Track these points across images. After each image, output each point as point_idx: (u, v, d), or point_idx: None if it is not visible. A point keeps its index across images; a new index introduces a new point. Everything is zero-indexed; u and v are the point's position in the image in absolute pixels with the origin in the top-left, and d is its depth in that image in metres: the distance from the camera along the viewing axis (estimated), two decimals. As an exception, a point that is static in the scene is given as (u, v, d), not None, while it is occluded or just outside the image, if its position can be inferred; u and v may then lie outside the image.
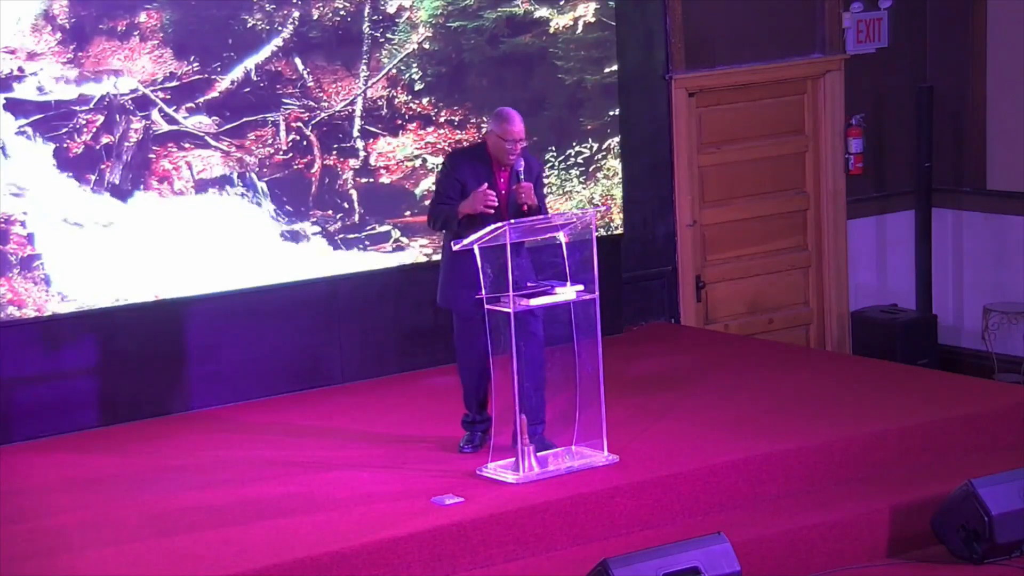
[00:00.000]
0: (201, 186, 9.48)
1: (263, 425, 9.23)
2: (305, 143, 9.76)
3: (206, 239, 9.49)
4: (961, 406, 9.00)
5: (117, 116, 9.21)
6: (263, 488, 8.08)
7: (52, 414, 9.21)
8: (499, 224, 7.90)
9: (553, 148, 10.46)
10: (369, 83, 9.90)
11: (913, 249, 11.99)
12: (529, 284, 8.16)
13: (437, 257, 9.68)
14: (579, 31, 10.50)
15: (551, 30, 10.41)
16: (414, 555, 7.37)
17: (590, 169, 10.61)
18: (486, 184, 8.14)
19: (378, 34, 9.91)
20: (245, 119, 9.57)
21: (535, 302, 8.04)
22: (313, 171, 9.80)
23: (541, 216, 8.20)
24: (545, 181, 10.30)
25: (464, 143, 10.07)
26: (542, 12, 10.37)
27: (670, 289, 11.31)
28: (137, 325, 9.38)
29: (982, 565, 7.81)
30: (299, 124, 9.73)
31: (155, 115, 9.32)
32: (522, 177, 8.19)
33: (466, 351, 8.36)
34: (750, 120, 11.59)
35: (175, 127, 9.38)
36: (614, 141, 10.68)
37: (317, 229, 9.81)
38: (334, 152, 9.85)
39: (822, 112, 11.80)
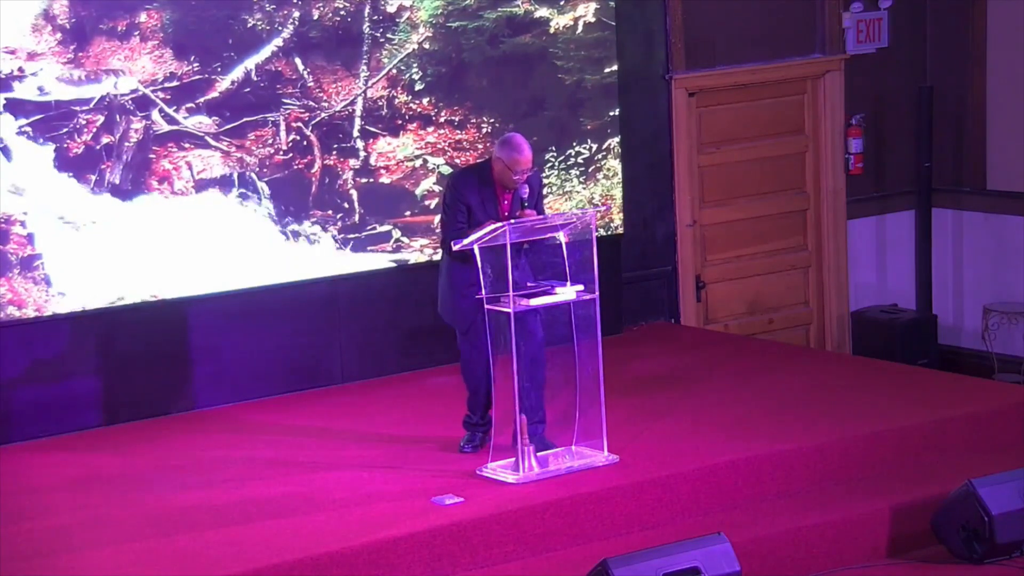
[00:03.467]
0: (201, 186, 9.48)
1: (263, 425, 9.23)
2: (305, 143, 9.76)
3: (206, 239, 9.49)
4: (961, 406, 9.00)
5: (117, 116, 9.21)
6: (263, 488, 8.08)
7: (52, 414, 9.21)
8: (499, 224, 7.90)
9: (553, 148, 10.46)
10: (369, 83, 9.90)
11: (913, 249, 11.99)
12: (529, 284, 8.16)
13: (437, 257, 9.69)
14: (579, 31, 10.50)
15: (551, 30, 10.41)
16: (414, 555, 7.37)
17: (590, 169, 10.61)
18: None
19: (378, 34, 9.91)
20: (245, 119, 9.57)
21: (535, 302, 8.04)
22: (313, 171, 9.80)
23: (541, 216, 8.21)
24: (545, 181, 10.34)
25: (464, 143, 10.07)
26: (542, 12, 10.37)
27: (670, 289, 11.31)
28: (137, 325, 9.38)
29: (982, 565, 7.81)
30: (299, 124, 9.73)
31: (155, 115, 9.32)
32: (526, 204, 8.20)
33: (471, 358, 8.35)
34: (750, 120, 11.59)
35: (175, 127, 9.38)
36: (614, 141, 10.68)
37: (317, 229, 9.81)
38: (334, 152, 9.85)
39: (822, 112, 11.80)
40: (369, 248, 9.97)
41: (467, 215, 8.17)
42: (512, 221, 7.97)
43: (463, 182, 8.28)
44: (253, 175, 9.62)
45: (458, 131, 10.13)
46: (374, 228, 9.98)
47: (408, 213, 10.06)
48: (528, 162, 8.13)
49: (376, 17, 9.88)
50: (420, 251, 10.07)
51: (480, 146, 10.14)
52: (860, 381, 9.62)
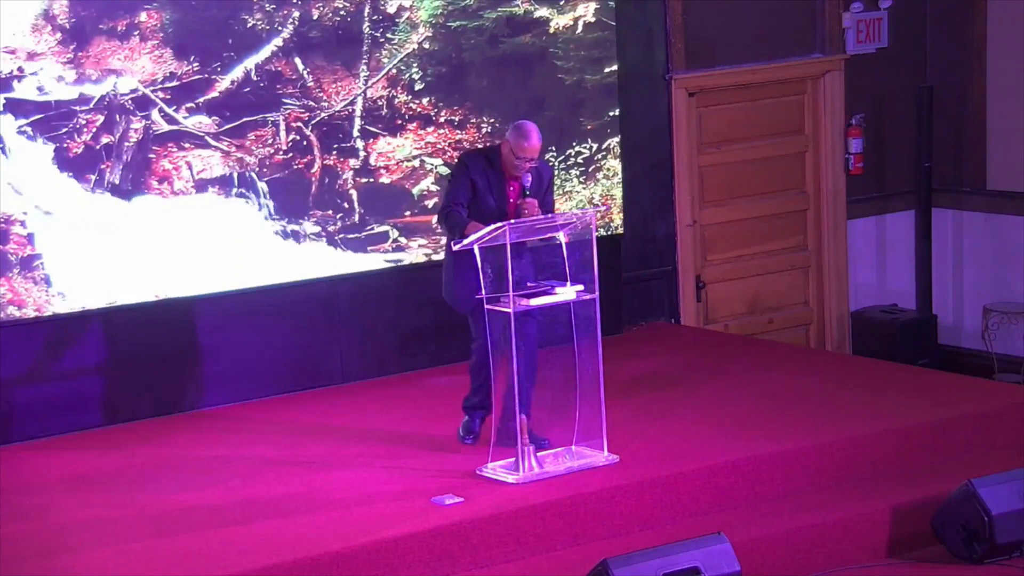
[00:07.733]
0: (201, 186, 9.48)
1: (263, 425, 9.23)
2: (305, 143, 9.76)
3: (206, 239, 9.48)
4: (961, 406, 9.00)
5: (117, 116, 9.21)
6: (263, 488, 8.09)
7: (52, 414, 9.20)
8: (499, 224, 7.90)
9: (553, 148, 10.45)
10: (369, 83, 9.90)
11: (913, 249, 11.99)
12: (529, 284, 8.17)
13: (437, 257, 9.71)
14: (579, 31, 10.50)
15: (551, 30, 10.41)
16: (414, 555, 7.37)
17: (590, 169, 10.61)
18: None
19: (378, 34, 9.91)
20: (245, 119, 9.57)
21: (535, 302, 8.04)
22: (313, 171, 9.80)
23: (541, 216, 8.20)
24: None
25: (464, 143, 10.07)
26: (542, 12, 10.37)
27: (670, 289, 11.31)
28: (137, 325, 9.38)
29: (982, 565, 7.81)
30: (299, 124, 9.73)
31: (155, 115, 9.32)
32: (528, 193, 8.20)
33: (478, 335, 8.34)
34: (750, 120, 11.59)
35: (175, 127, 9.38)
36: (614, 141, 10.68)
37: (317, 229, 9.81)
38: (334, 152, 9.85)
39: (822, 112, 11.80)
40: (369, 248, 9.97)
41: (472, 192, 8.20)
42: (513, 222, 7.97)
43: (473, 161, 8.33)
44: (253, 175, 9.62)
45: (458, 131, 10.13)
46: (374, 228, 9.98)
47: (408, 213, 10.06)
48: (534, 150, 8.14)
49: (376, 17, 9.88)
50: (420, 251, 10.07)
51: (480, 147, 10.12)
52: (860, 381, 9.62)
